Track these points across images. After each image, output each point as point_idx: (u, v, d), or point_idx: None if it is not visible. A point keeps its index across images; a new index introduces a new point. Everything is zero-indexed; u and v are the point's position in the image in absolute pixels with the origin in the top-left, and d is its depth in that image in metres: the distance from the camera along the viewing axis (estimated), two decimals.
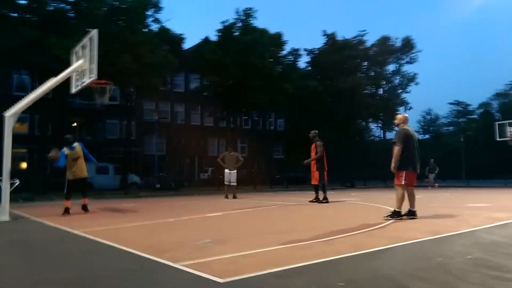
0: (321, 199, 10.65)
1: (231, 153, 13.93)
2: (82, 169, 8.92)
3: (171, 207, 11.21)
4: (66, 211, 8.61)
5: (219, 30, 29.84)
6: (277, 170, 35.77)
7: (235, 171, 13.76)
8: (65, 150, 8.65)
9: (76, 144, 8.90)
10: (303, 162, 11.10)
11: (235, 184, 13.80)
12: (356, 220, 6.48)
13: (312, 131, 11.02)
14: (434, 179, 21.84)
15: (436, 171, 21.76)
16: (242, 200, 12.75)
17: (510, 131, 20.26)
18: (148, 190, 22.16)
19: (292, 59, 33.60)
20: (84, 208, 9.08)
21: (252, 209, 9.53)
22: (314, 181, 10.79)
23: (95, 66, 8.33)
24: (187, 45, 33.18)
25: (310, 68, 39.19)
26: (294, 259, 3.57)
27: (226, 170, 13.70)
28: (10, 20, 19.96)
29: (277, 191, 21.17)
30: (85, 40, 8.83)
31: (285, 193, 19.12)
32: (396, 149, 6.41)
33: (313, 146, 10.79)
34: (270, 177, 30.53)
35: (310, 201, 10.84)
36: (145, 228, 6.40)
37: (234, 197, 13.64)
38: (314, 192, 11.00)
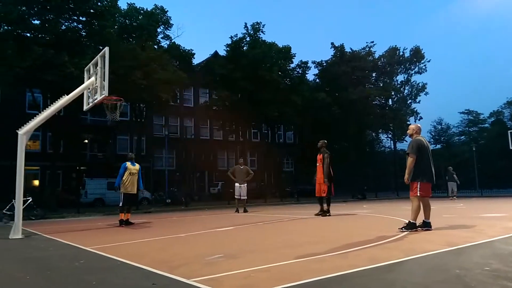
0: (325, 211, 10.47)
1: (241, 167, 13.93)
2: (134, 186, 9.79)
3: (181, 222, 11.18)
4: (122, 223, 9.47)
5: (228, 45, 30.24)
6: (287, 183, 35.59)
7: (245, 184, 13.74)
8: (127, 164, 9.84)
9: (136, 163, 10.12)
10: (323, 181, 10.30)
11: (245, 197, 13.76)
12: (370, 233, 6.38)
13: (321, 141, 10.80)
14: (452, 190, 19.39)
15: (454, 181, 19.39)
16: (253, 214, 12.68)
17: None
18: (159, 205, 22.19)
19: (301, 71, 33.79)
20: (127, 222, 9.62)
21: (264, 222, 9.46)
22: (319, 193, 10.46)
23: (106, 83, 8.45)
24: (196, 60, 33.71)
25: (318, 80, 39.30)
26: (309, 273, 3.50)
27: (236, 184, 13.68)
28: (24, 40, 20.47)
29: (288, 204, 21.02)
30: (97, 58, 9.00)
31: (296, 206, 18.97)
32: (410, 160, 6.33)
33: (319, 156, 10.51)
34: (280, 190, 30.38)
35: (316, 215, 10.59)
36: (156, 243, 6.38)
37: (245, 210, 13.59)
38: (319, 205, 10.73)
